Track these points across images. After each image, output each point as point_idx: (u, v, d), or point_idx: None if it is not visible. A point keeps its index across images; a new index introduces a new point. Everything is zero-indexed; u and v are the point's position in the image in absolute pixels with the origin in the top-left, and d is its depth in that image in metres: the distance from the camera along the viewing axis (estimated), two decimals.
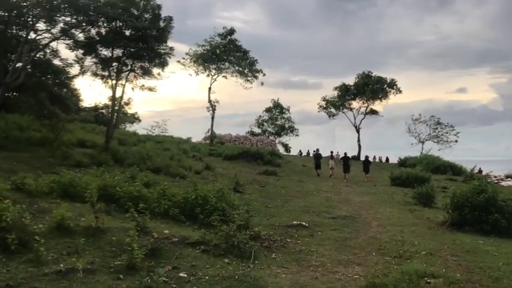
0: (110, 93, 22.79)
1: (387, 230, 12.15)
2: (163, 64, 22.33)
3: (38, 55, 25.17)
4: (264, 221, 11.77)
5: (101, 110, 40.32)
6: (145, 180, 13.17)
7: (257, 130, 60.89)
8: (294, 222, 11.85)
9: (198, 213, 10.09)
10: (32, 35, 20.66)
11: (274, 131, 60.97)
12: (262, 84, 43.69)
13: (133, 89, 22.97)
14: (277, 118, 61.33)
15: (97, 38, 20.59)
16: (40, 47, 21.50)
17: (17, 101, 29.54)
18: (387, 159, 52.65)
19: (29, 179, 10.23)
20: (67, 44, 21.89)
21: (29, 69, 27.66)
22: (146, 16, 20.75)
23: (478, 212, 12.18)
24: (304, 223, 11.86)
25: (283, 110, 61.46)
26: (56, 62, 24.63)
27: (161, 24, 21.02)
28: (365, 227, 12.45)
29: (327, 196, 19.18)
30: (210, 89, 41.53)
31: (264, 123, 61.32)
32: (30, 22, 20.22)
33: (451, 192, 20.63)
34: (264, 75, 43.02)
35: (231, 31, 41.85)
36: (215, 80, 41.91)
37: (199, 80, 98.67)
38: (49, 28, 20.59)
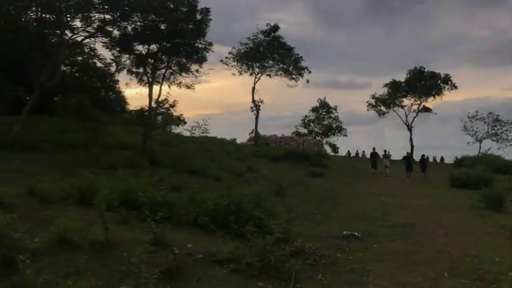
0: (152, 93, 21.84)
1: (456, 241, 10.19)
2: (201, 60, 21.12)
3: (80, 57, 24.84)
4: (309, 231, 10.14)
5: (146, 113, 40.21)
6: (175, 183, 11.89)
7: (303, 130, 58.91)
8: (345, 232, 10.13)
9: (231, 222, 8.62)
10: (68, 34, 20.09)
11: (321, 131, 58.74)
12: (307, 82, 41.75)
13: (169, 86, 21.91)
14: (324, 118, 59.07)
15: (132, 33, 19.66)
16: (77, 45, 20.92)
17: (59, 104, 29.52)
18: (442, 159, 49.50)
19: (44, 182, 9.16)
20: (103, 43, 21.25)
21: (72, 71, 27.49)
22: (182, 9, 19.60)
23: None
24: (356, 233, 10.12)
25: (330, 110, 59.13)
26: (95, 62, 24.22)
27: (198, 16, 19.80)
28: (429, 238, 10.53)
29: (380, 199, 17.26)
30: (253, 88, 40.19)
31: (311, 123, 59.22)
32: (65, 20, 19.58)
33: None
34: (310, 72, 41.10)
35: (275, 28, 40.27)
36: (258, 79, 40.58)
37: (246, 82, 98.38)
38: (85, 26, 19.96)
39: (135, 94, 35.62)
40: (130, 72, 21.36)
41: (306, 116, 59.26)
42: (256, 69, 40.53)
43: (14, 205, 7.91)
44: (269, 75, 40.87)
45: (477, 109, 50.16)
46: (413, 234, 10.71)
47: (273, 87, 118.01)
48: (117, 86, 35.16)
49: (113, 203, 8.74)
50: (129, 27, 20.11)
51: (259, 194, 9.97)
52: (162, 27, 19.71)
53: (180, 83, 22.32)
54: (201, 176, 16.79)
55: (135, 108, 40.28)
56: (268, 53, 39.80)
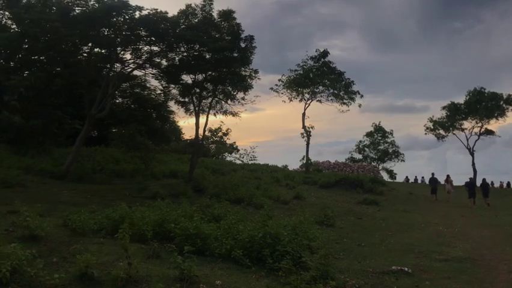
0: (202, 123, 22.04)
1: None
2: (246, 88, 21.07)
3: (136, 90, 25.69)
4: (355, 265, 9.36)
5: (201, 143, 40.69)
6: (216, 212, 11.55)
7: (358, 156, 57.25)
8: (393, 267, 9.26)
9: (266, 256, 8.06)
10: (118, 66, 20.78)
11: (376, 157, 56.81)
12: (359, 106, 40.83)
13: (215, 115, 21.99)
14: (379, 143, 57.19)
15: (177, 63, 20.00)
16: (128, 77, 21.57)
17: (114, 135, 30.47)
18: (508, 184, 46.07)
19: (79, 214, 9.10)
20: (152, 74, 21.79)
21: (128, 102, 28.40)
22: (227, 38, 19.76)
23: None
24: (406, 268, 9.23)
25: (386, 134, 57.22)
26: (150, 93, 24.91)
27: (242, 44, 19.85)
28: (490, 274, 9.42)
29: (437, 230, 15.98)
30: (304, 114, 39.66)
31: (365, 148, 57.51)
32: (116, 54, 20.27)
33: None
34: (362, 96, 40.17)
35: (325, 53, 39.89)
36: (309, 105, 40.11)
37: (300, 109, 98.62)
38: (134, 58, 20.57)
39: (187, 124, 36.18)
40: (177, 102, 21.73)
41: (360, 141, 57.73)
42: (306, 95, 40.16)
43: (46, 238, 7.85)
44: (319, 101, 40.34)
45: None
46: (472, 271, 9.62)
47: (328, 113, 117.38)
48: (171, 116, 35.94)
49: (146, 234, 8.51)
50: (176, 58, 20.50)
51: (299, 225, 9.37)
52: (207, 56, 19.93)
53: (226, 111, 22.42)
54: (245, 204, 16.41)
55: (190, 138, 41.07)
56: (318, 78, 39.37)
